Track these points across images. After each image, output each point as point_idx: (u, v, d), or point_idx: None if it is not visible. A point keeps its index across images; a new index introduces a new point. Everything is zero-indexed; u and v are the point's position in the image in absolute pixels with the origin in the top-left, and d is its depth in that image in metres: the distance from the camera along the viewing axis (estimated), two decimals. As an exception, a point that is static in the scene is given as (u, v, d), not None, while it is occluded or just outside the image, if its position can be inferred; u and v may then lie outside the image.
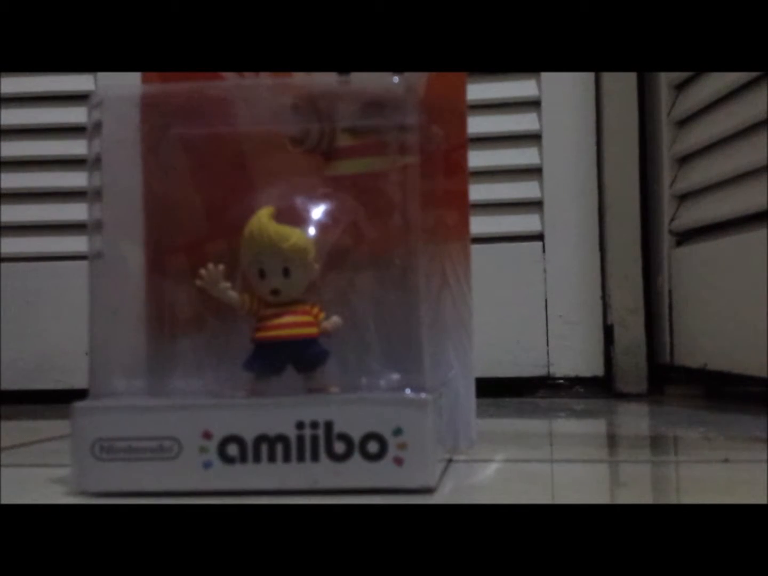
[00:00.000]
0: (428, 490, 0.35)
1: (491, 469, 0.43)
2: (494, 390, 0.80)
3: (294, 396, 0.35)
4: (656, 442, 0.53)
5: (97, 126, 0.39)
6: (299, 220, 0.37)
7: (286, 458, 0.34)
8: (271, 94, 0.41)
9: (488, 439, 0.52)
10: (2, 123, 0.87)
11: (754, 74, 0.64)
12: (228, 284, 0.36)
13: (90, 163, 0.39)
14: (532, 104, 0.83)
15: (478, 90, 0.83)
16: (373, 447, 0.34)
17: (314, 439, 0.34)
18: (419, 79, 0.41)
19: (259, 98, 0.40)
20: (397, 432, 0.34)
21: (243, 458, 0.34)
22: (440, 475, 0.37)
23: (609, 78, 0.82)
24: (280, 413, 0.34)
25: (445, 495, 0.37)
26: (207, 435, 0.35)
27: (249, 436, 0.34)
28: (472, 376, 0.44)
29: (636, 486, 0.39)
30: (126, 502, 0.34)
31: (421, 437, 0.34)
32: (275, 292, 0.36)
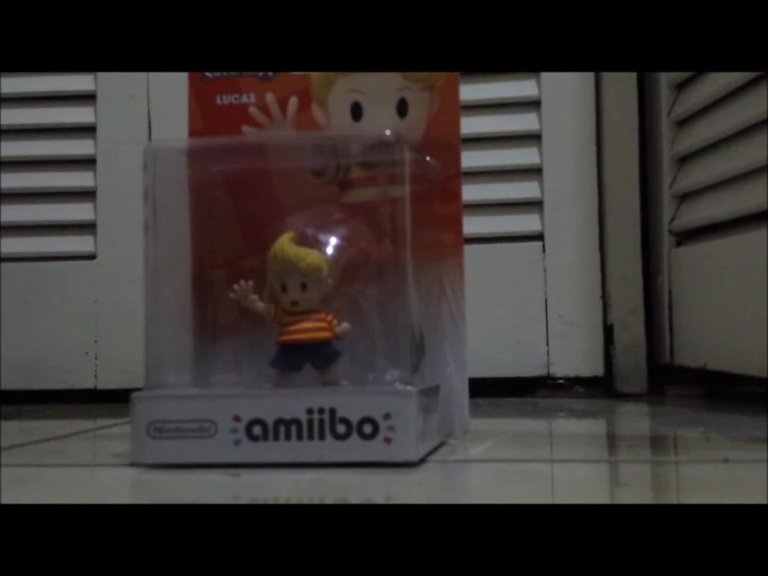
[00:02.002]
0: (411, 464, 0.41)
1: (491, 468, 0.43)
2: (494, 390, 0.80)
3: (306, 388, 0.43)
4: (656, 442, 0.53)
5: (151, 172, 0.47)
6: (318, 241, 0.45)
7: (299, 437, 0.42)
8: (297, 139, 0.49)
9: (488, 439, 0.52)
10: (2, 123, 0.87)
11: (754, 74, 0.64)
12: (256, 296, 0.43)
13: (149, 201, 0.46)
14: (532, 104, 0.83)
15: (478, 90, 0.83)
16: (367, 428, 0.41)
17: (321, 422, 0.41)
18: (420, 121, 0.50)
19: (287, 142, 0.49)
20: (387, 416, 0.41)
21: (265, 437, 0.42)
22: (430, 452, 0.44)
23: (609, 78, 0.82)
24: (294, 401, 0.42)
25: (445, 495, 0.37)
26: (237, 418, 0.42)
27: (270, 419, 0.42)
28: (466, 372, 0.50)
29: (636, 486, 0.39)
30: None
31: (405, 421, 0.41)
32: (294, 303, 0.43)
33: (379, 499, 0.35)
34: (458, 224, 0.51)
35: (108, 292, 0.85)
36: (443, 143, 0.50)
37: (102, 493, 0.39)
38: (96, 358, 0.85)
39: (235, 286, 0.44)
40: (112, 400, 0.83)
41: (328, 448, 0.41)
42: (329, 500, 0.36)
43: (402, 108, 0.50)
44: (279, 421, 0.42)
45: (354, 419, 0.41)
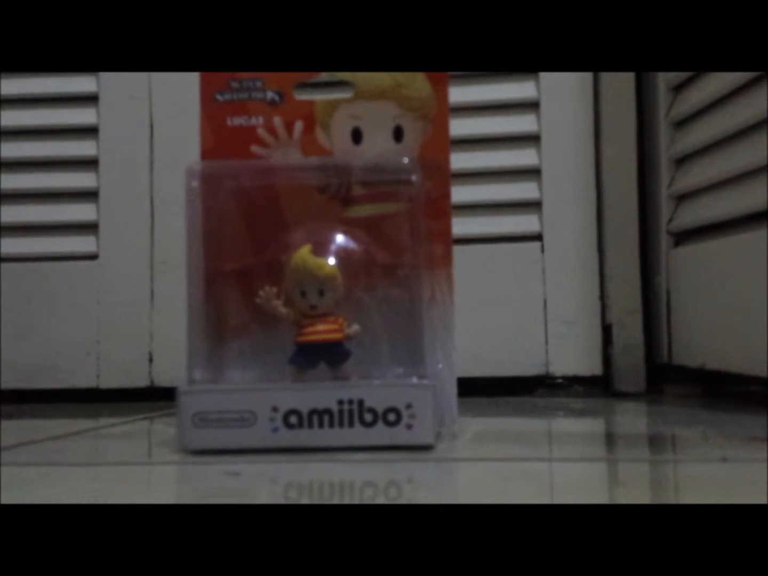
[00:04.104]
0: (430, 447, 0.46)
1: (490, 468, 0.43)
2: (493, 389, 0.80)
3: (336, 382, 0.48)
4: (654, 442, 0.53)
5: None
6: (328, 251, 0.50)
7: (331, 425, 0.46)
8: (317, 163, 0.54)
9: (487, 439, 0.52)
10: (5, 124, 0.87)
11: (754, 74, 0.64)
12: (279, 301, 0.48)
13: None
14: (531, 105, 0.83)
15: (478, 91, 0.83)
16: (391, 417, 0.46)
17: (350, 411, 0.46)
18: (414, 146, 0.55)
19: (305, 165, 0.55)
20: (409, 406, 0.46)
21: (300, 425, 0.46)
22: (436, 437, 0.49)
23: (607, 79, 0.82)
24: (326, 393, 0.47)
25: (445, 495, 0.38)
26: (275, 409, 0.46)
27: (305, 410, 0.46)
28: (454, 370, 0.55)
29: (634, 485, 0.39)
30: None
31: (425, 410, 0.46)
32: (313, 307, 0.48)
33: (380, 499, 0.35)
34: (448, 238, 0.55)
35: (110, 292, 0.85)
36: (434, 167, 0.54)
37: (103, 493, 0.39)
38: (98, 358, 0.85)
39: (260, 292, 0.48)
40: (115, 400, 0.84)
41: (357, 434, 0.46)
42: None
43: (398, 134, 0.55)
44: (313, 411, 0.46)
45: (380, 409, 0.46)
